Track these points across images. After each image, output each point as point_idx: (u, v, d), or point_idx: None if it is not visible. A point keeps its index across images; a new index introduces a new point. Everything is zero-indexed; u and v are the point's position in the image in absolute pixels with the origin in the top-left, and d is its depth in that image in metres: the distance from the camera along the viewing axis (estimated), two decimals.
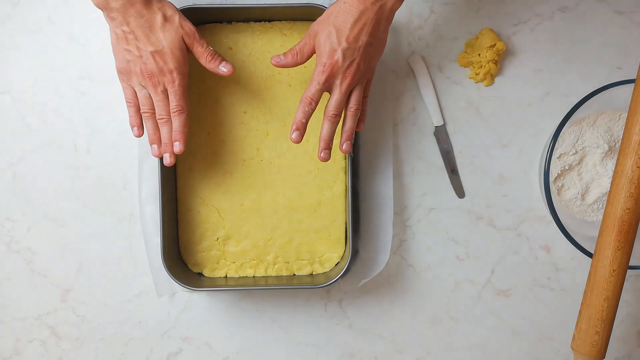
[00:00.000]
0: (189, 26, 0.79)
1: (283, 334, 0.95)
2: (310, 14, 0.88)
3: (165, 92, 0.79)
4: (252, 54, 0.90)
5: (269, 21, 0.91)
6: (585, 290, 0.79)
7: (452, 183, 0.94)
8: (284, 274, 0.92)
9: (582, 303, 0.80)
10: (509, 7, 0.93)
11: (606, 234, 0.78)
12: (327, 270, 0.92)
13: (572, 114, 0.85)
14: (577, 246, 0.86)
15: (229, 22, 0.90)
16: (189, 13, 0.85)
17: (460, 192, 0.94)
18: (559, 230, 0.86)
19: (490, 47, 0.91)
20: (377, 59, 0.80)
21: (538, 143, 0.93)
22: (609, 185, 0.87)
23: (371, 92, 0.90)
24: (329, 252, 0.92)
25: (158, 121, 0.81)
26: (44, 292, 0.94)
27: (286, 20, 0.90)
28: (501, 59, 0.92)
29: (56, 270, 0.94)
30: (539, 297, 0.95)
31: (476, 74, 0.92)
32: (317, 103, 0.78)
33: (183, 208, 0.91)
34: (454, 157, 0.94)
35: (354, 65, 0.77)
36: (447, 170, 0.94)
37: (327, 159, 0.80)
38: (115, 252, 0.93)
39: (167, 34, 0.77)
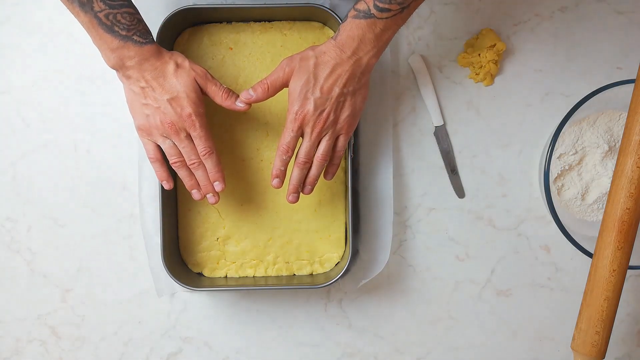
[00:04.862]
0: (200, 68, 0.79)
1: (283, 334, 0.95)
2: (310, 14, 0.88)
3: (189, 137, 0.79)
4: (252, 54, 0.90)
5: (269, 21, 0.91)
6: (585, 290, 0.80)
7: (452, 183, 0.94)
8: (284, 274, 0.92)
9: (582, 303, 0.80)
10: (509, 7, 0.93)
11: (606, 234, 0.78)
12: (327, 270, 0.92)
13: (572, 114, 0.85)
14: (577, 246, 0.86)
15: (229, 22, 0.90)
16: (189, 13, 0.86)
17: (460, 192, 0.94)
18: (559, 230, 0.86)
19: (490, 47, 0.91)
20: (354, 113, 0.80)
21: (538, 143, 0.93)
22: (609, 185, 0.87)
23: (371, 93, 0.90)
24: (329, 252, 0.92)
25: (190, 167, 0.81)
26: (44, 292, 0.94)
27: (286, 20, 0.90)
28: (501, 59, 0.92)
29: (56, 270, 0.94)
30: (539, 297, 0.95)
31: (476, 74, 0.92)
32: (293, 150, 0.80)
33: (183, 208, 0.91)
34: (454, 157, 0.94)
35: (324, 114, 0.78)
36: (447, 170, 0.94)
37: (295, 201, 0.83)
38: (115, 252, 0.93)
39: (180, 79, 0.77)
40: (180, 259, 0.92)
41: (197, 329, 0.94)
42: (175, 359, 0.95)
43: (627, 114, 0.79)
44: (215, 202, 0.83)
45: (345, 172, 0.90)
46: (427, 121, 0.93)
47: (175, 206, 0.91)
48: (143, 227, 0.91)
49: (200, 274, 0.92)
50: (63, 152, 0.93)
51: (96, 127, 0.93)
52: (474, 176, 0.94)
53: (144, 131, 0.80)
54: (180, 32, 0.90)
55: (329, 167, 0.84)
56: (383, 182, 0.91)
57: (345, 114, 0.79)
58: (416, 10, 0.92)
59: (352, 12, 0.75)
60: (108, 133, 0.93)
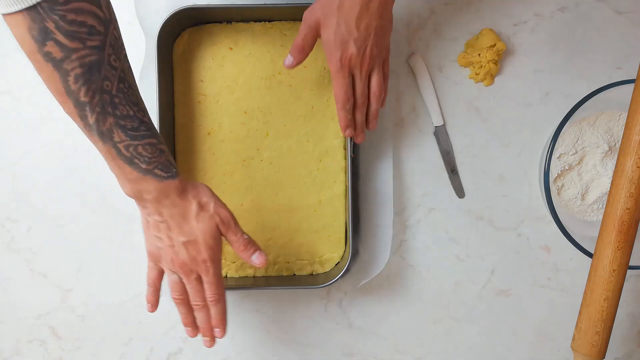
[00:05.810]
0: (224, 213, 0.74)
1: (283, 334, 0.95)
2: None
3: (199, 279, 0.75)
4: (252, 54, 0.90)
5: (269, 21, 0.91)
6: (585, 290, 0.79)
7: (452, 183, 0.94)
8: (284, 274, 0.92)
9: (582, 303, 0.80)
10: (509, 7, 0.93)
11: (606, 234, 0.78)
12: (327, 270, 0.92)
13: (572, 114, 0.85)
14: (577, 246, 0.86)
15: (229, 22, 0.90)
16: (189, 13, 0.86)
17: (460, 192, 0.94)
18: (559, 230, 0.86)
19: (490, 47, 0.91)
20: (389, 37, 0.79)
21: (538, 143, 0.93)
22: (609, 185, 0.87)
23: None
24: (329, 252, 0.92)
25: (193, 307, 0.77)
26: (44, 292, 0.94)
27: (286, 20, 0.90)
28: (501, 59, 0.92)
29: (56, 270, 0.94)
30: (539, 297, 0.95)
31: (476, 74, 0.92)
32: (352, 96, 0.79)
33: None
34: (454, 157, 0.94)
35: (367, 51, 0.76)
36: (447, 170, 0.94)
37: (363, 139, 0.84)
38: (115, 252, 0.93)
39: (200, 224, 0.73)
40: None
41: None
42: (175, 359, 0.95)
43: (627, 114, 0.79)
44: (211, 347, 0.78)
45: (345, 172, 0.90)
46: (427, 121, 0.93)
47: None
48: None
49: None
50: (63, 152, 0.93)
51: None
52: (474, 176, 0.94)
53: (152, 257, 0.77)
54: (180, 32, 0.90)
55: (383, 96, 0.83)
56: (383, 182, 0.91)
57: (385, 41, 0.78)
58: (416, 10, 0.93)
59: None
60: None
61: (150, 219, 0.74)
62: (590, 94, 0.85)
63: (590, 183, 0.91)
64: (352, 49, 0.76)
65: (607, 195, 0.85)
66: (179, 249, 0.73)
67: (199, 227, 0.73)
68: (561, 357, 0.95)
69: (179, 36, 0.90)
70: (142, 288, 0.94)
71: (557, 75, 0.93)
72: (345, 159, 0.90)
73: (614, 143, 0.90)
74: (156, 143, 0.70)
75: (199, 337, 0.94)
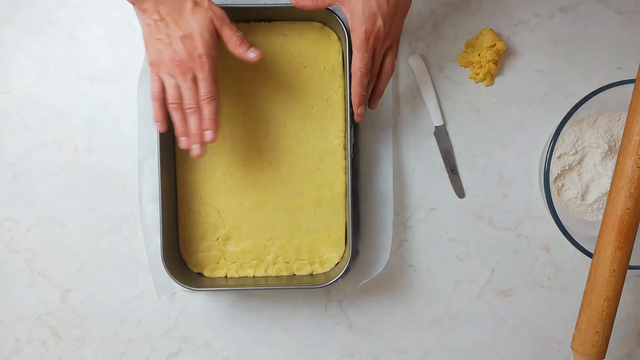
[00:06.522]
0: (218, 9, 0.76)
1: (283, 334, 0.95)
2: (310, 14, 0.88)
3: (194, 79, 0.77)
4: None
5: (269, 21, 0.90)
6: (585, 290, 0.79)
7: (452, 183, 0.94)
8: (284, 274, 0.92)
9: (582, 303, 0.80)
10: (509, 7, 0.93)
11: (606, 234, 0.78)
12: (327, 270, 0.92)
13: (572, 114, 0.85)
14: (577, 246, 0.86)
15: None
16: None
17: (460, 192, 0.94)
18: (559, 230, 0.86)
19: (490, 47, 0.91)
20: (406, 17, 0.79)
21: (538, 143, 0.93)
22: (609, 185, 0.87)
23: None
24: (329, 252, 0.92)
25: (186, 111, 0.78)
26: (44, 292, 0.94)
27: (286, 20, 0.90)
28: (501, 59, 0.92)
29: (56, 270, 0.94)
30: (539, 297, 0.95)
31: (476, 74, 0.92)
32: (370, 70, 0.78)
33: (183, 208, 0.91)
34: (454, 157, 0.94)
35: (393, 27, 0.76)
36: (447, 170, 0.94)
37: (361, 117, 0.82)
38: (115, 252, 0.93)
39: (196, 17, 0.75)
40: (181, 259, 0.92)
41: (197, 329, 0.94)
42: (175, 359, 0.95)
43: (627, 114, 0.79)
44: (199, 156, 0.79)
45: (345, 172, 0.90)
46: (427, 121, 0.93)
47: (175, 206, 0.91)
48: (143, 227, 0.91)
49: (201, 274, 0.92)
50: (63, 152, 0.93)
51: (96, 127, 0.93)
52: (474, 176, 0.94)
53: (154, 66, 0.78)
54: None
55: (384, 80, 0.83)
56: (383, 182, 0.91)
57: (403, 20, 0.78)
58: (416, 10, 0.93)
59: None
60: (108, 133, 0.93)
61: (150, 20, 0.76)
62: (590, 94, 0.85)
63: (590, 183, 0.91)
64: (379, 22, 0.75)
65: (607, 195, 0.85)
66: (177, 44, 0.75)
67: (194, 20, 0.75)
68: (561, 357, 0.95)
69: None
70: (142, 288, 0.94)
71: (557, 75, 0.93)
72: (345, 159, 0.90)
73: (614, 143, 0.90)
74: None
75: (199, 337, 0.95)
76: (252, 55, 0.78)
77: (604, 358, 0.79)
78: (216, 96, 0.77)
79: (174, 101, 0.78)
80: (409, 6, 0.78)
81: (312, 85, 0.90)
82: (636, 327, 0.96)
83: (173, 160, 0.90)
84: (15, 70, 0.92)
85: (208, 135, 0.78)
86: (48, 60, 0.92)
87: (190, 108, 0.78)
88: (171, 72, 0.77)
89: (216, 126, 0.78)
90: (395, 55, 0.81)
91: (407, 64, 0.93)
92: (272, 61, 0.90)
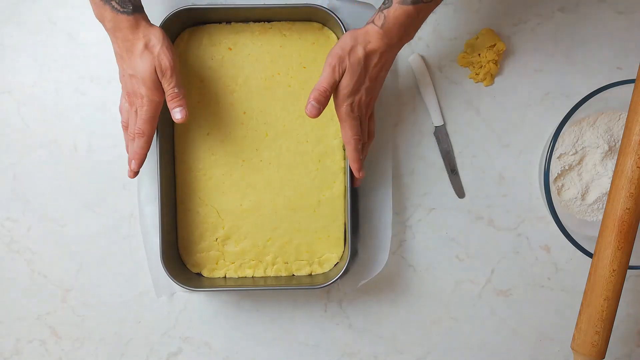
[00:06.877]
0: (166, 60, 0.78)
1: (283, 334, 0.95)
2: (309, 15, 0.88)
3: (137, 112, 0.81)
4: (251, 54, 0.90)
5: (269, 21, 0.91)
6: (585, 290, 0.79)
7: (452, 183, 0.94)
8: (283, 274, 0.92)
9: (582, 303, 0.80)
10: (509, 7, 0.93)
11: (606, 234, 0.78)
12: (327, 270, 0.92)
13: (572, 114, 0.85)
14: (577, 246, 0.86)
15: (229, 22, 0.90)
16: (189, 13, 0.86)
17: (460, 192, 0.94)
18: (559, 230, 0.86)
19: (490, 47, 0.90)
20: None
21: (538, 143, 0.93)
22: (609, 185, 0.87)
23: None
24: (328, 252, 0.92)
25: (129, 134, 0.83)
26: (44, 292, 0.94)
27: (286, 20, 0.90)
28: (501, 59, 0.92)
29: (56, 270, 0.94)
30: (539, 297, 0.95)
31: (476, 74, 0.92)
32: (362, 137, 0.81)
33: (182, 208, 0.91)
34: (454, 157, 0.94)
35: (373, 98, 0.81)
36: (447, 170, 0.93)
37: (363, 177, 0.84)
38: (115, 252, 0.93)
39: (142, 61, 0.77)
40: (180, 260, 0.92)
41: (197, 329, 0.94)
42: (175, 359, 0.95)
43: (627, 114, 0.78)
44: (130, 177, 0.83)
45: (345, 172, 0.90)
46: (427, 121, 0.93)
47: (174, 206, 0.91)
48: (142, 227, 0.91)
49: (200, 275, 0.92)
50: (63, 152, 0.93)
51: (96, 127, 0.93)
52: (474, 176, 0.94)
53: (121, 84, 0.83)
54: (180, 32, 0.90)
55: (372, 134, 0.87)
56: (383, 182, 0.91)
57: (379, 90, 0.82)
58: None
59: None
60: (108, 133, 0.93)
61: (114, 47, 0.80)
62: (590, 94, 0.85)
63: (590, 183, 0.91)
64: (362, 95, 0.79)
65: (607, 195, 0.85)
66: (127, 79, 0.80)
67: (141, 63, 0.77)
68: (561, 357, 0.95)
69: (178, 36, 0.90)
70: (142, 288, 0.94)
71: (557, 75, 0.93)
72: (345, 159, 0.90)
73: (614, 143, 0.90)
74: None
75: (199, 337, 0.95)
76: (177, 115, 0.80)
77: (604, 358, 0.78)
78: (146, 134, 0.81)
79: (124, 123, 0.84)
80: (385, 77, 0.82)
81: (311, 85, 0.90)
82: (636, 327, 0.96)
83: (172, 161, 0.91)
84: (15, 70, 0.93)
85: (132, 164, 0.82)
86: (48, 60, 0.93)
87: (130, 135, 0.83)
88: (125, 97, 0.82)
89: (139, 160, 0.82)
90: (374, 120, 0.85)
91: (407, 64, 0.93)
92: (271, 61, 0.90)
